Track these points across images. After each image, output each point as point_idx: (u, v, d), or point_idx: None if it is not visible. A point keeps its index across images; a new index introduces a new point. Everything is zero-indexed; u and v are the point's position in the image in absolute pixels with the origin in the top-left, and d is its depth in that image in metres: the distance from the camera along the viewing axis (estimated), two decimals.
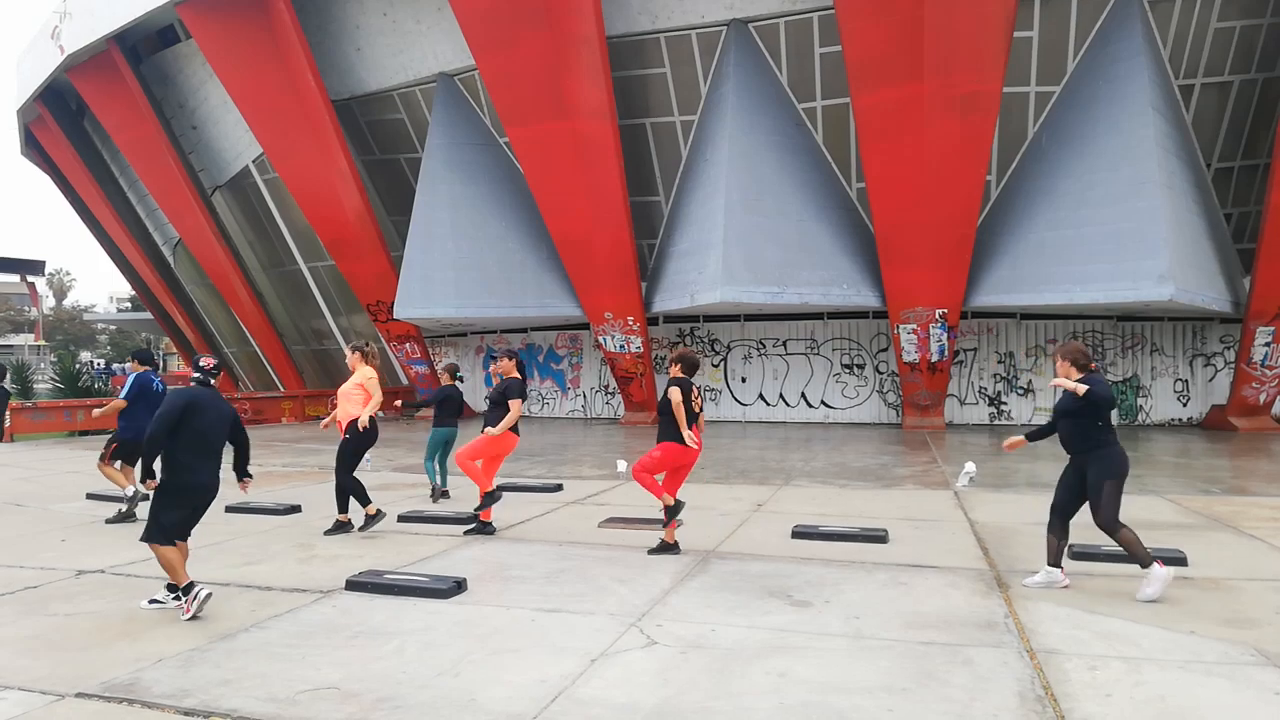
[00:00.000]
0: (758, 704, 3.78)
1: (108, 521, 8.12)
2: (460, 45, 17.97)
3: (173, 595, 5.20)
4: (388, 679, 4.08)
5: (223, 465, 5.47)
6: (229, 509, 8.67)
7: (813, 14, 16.69)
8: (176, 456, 5.18)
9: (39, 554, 6.82)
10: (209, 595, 5.06)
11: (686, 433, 6.60)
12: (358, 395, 7.68)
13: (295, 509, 8.61)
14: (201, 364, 5.52)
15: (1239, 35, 16.43)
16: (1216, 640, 4.58)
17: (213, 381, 5.53)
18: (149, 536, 5.17)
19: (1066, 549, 5.83)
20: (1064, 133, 16.54)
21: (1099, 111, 16.05)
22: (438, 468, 9.38)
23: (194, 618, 4.98)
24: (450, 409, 9.44)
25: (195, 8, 19.79)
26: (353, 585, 5.66)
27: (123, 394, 8.48)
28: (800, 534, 7.26)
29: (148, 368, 8.62)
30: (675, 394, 6.61)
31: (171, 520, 5.18)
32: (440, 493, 9.34)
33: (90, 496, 9.59)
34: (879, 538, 7.08)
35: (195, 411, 5.21)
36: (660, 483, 6.81)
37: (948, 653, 4.41)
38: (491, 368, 7.63)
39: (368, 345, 8.06)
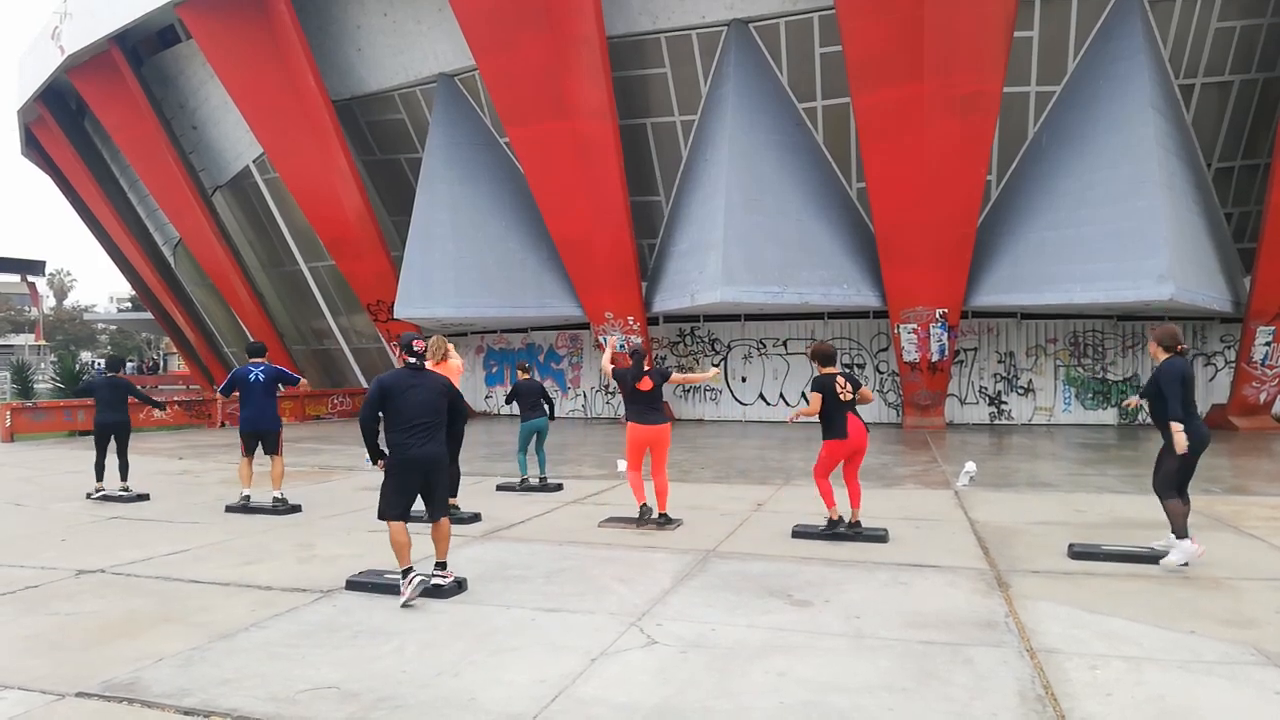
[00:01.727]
0: (758, 703, 3.78)
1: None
2: (460, 45, 17.97)
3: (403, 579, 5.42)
4: (388, 678, 4.09)
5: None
6: (229, 509, 8.69)
7: (813, 14, 16.68)
8: (388, 436, 5.57)
9: (39, 553, 6.83)
10: (423, 581, 5.31)
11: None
12: None
13: (295, 509, 8.61)
14: (415, 348, 5.74)
15: (1239, 35, 16.42)
16: (1217, 640, 4.58)
17: (419, 362, 5.72)
18: (379, 514, 5.58)
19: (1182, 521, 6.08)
20: (1064, 132, 16.53)
21: (1099, 111, 16.03)
22: (530, 459, 9.94)
23: (407, 604, 5.21)
24: (529, 402, 9.82)
25: (195, 8, 19.79)
26: (353, 585, 5.67)
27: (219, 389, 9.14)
28: (801, 534, 7.27)
29: (252, 360, 9.04)
30: (815, 400, 6.99)
31: (389, 497, 5.55)
32: (540, 482, 9.86)
33: (90, 496, 9.59)
34: (879, 537, 7.08)
35: (390, 394, 5.55)
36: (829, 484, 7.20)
37: (948, 652, 4.41)
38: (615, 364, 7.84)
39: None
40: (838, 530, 7.08)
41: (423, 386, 5.63)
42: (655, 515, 7.69)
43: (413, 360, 5.70)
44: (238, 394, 8.95)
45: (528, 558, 6.59)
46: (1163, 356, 6.08)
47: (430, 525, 5.70)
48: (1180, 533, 5.98)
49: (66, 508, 9.08)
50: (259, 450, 8.92)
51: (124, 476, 9.63)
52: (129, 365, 57.40)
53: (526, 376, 10.09)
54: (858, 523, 7.14)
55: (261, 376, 8.87)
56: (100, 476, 9.53)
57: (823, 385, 6.98)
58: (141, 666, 4.23)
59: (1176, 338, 6.11)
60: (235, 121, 22.24)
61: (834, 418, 7.00)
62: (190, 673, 4.16)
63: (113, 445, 9.67)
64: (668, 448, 7.81)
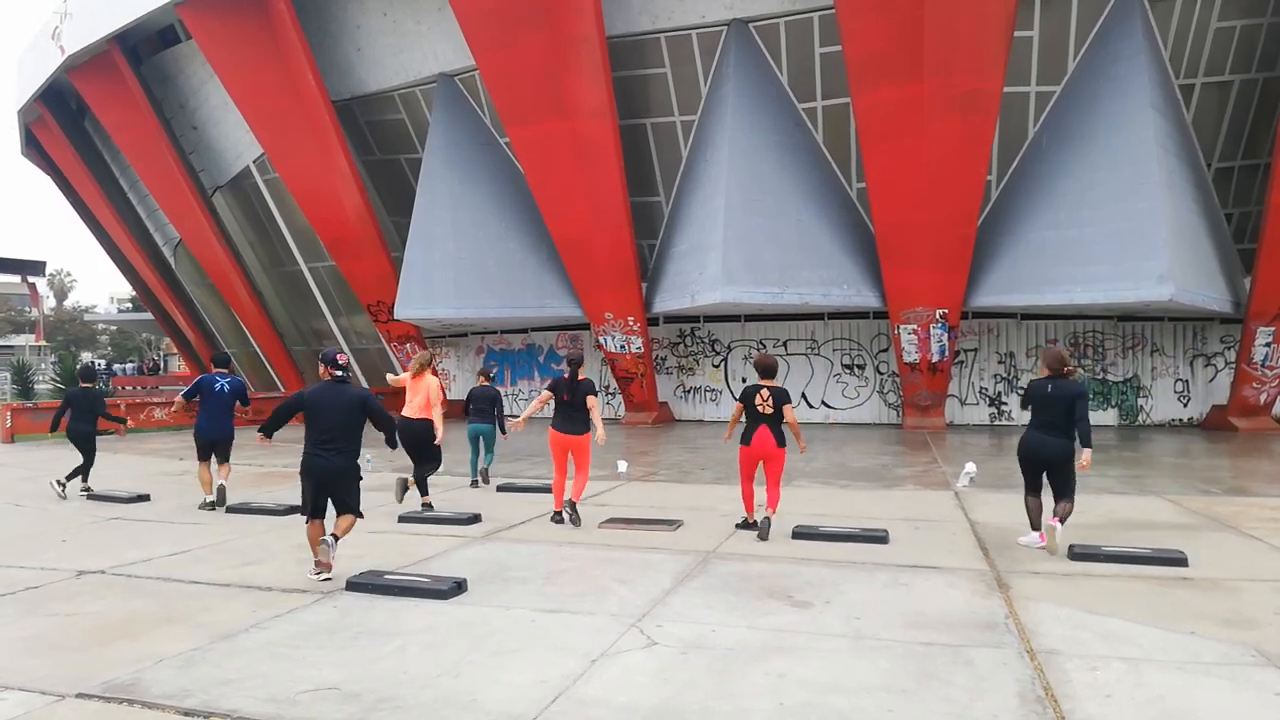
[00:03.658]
0: (758, 704, 3.78)
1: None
2: (460, 45, 17.97)
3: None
4: (388, 679, 4.09)
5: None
6: (229, 509, 8.70)
7: (813, 14, 16.68)
8: (305, 443, 5.99)
9: (40, 554, 6.83)
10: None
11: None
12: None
13: (296, 509, 8.60)
14: (338, 362, 6.13)
15: (1239, 35, 16.42)
16: (1217, 641, 4.58)
17: (342, 375, 6.13)
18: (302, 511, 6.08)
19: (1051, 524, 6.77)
20: (1064, 133, 16.53)
21: (1099, 111, 16.03)
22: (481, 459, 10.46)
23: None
24: (479, 407, 10.31)
25: (195, 8, 19.79)
26: (353, 586, 5.67)
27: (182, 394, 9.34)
28: (800, 534, 7.27)
29: (218, 370, 9.36)
30: (737, 408, 7.47)
31: (303, 499, 6.04)
32: (484, 478, 10.43)
33: (91, 497, 9.60)
34: (879, 538, 7.08)
35: (308, 405, 5.99)
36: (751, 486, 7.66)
37: (948, 653, 4.41)
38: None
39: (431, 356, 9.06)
40: (747, 526, 7.54)
41: (337, 404, 5.95)
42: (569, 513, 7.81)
43: (338, 374, 6.05)
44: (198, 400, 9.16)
45: (528, 558, 6.59)
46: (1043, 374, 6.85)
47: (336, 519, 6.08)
48: (1034, 525, 6.87)
49: (66, 508, 9.08)
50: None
51: (85, 477, 10.03)
52: (128, 366, 57.60)
53: (486, 383, 10.54)
54: (765, 520, 7.30)
55: (227, 388, 9.12)
56: (84, 478, 9.95)
57: (746, 395, 7.41)
58: (142, 667, 4.23)
59: (1062, 360, 6.80)
60: (235, 122, 22.24)
61: (750, 427, 7.37)
62: (191, 673, 4.16)
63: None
64: (582, 453, 8.01)
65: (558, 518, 7.84)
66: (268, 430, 6.41)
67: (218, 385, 9.05)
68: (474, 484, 10.34)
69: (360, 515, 6.16)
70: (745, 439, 7.36)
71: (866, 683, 4.02)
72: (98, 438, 10.37)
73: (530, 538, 7.40)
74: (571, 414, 7.89)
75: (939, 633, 4.73)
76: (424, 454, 8.72)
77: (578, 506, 7.77)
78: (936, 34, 14.60)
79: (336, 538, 5.94)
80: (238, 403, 9.21)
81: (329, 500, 6.06)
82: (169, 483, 10.93)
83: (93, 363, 11.13)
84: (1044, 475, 6.79)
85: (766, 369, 7.42)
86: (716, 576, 6.01)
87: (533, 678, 4.09)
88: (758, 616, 5.07)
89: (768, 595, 5.52)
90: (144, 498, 9.48)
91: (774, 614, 5.12)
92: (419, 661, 4.33)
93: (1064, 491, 6.65)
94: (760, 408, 7.25)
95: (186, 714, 3.71)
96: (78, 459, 9.98)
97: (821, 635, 4.72)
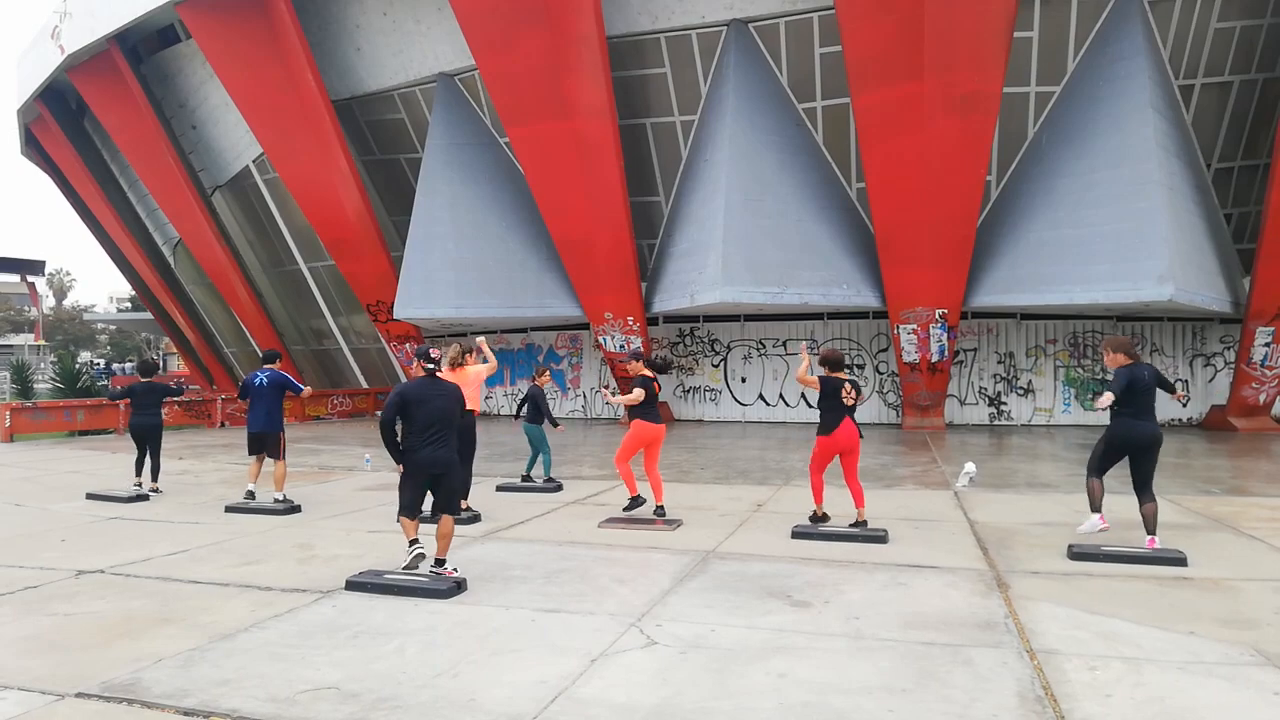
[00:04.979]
0: (758, 704, 3.78)
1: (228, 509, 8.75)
2: (460, 45, 17.98)
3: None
4: (388, 679, 4.09)
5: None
6: (229, 509, 8.70)
7: (813, 14, 16.68)
8: (405, 440, 5.93)
9: (39, 554, 6.83)
10: (420, 555, 5.87)
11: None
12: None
13: (295, 509, 8.62)
14: (432, 356, 6.09)
15: (1239, 35, 16.42)
16: (1216, 641, 4.58)
17: (436, 370, 6.07)
18: (398, 514, 6.01)
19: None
20: (1064, 133, 16.53)
21: (1099, 111, 16.04)
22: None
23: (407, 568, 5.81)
24: (532, 406, 10.30)
25: (195, 7, 19.78)
26: (353, 585, 5.67)
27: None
28: (800, 534, 7.28)
29: (265, 366, 9.50)
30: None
31: (402, 497, 5.97)
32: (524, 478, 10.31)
33: (90, 496, 9.60)
34: (879, 538, 7.09)
35: (409, 402, 5.87)
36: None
37: (948, 653, 4.41)
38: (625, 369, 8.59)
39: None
40: (819, 520, 7.59)
41: (440, 395, 5.97)
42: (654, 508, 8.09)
43: (430, 367, 6.03)
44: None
45: (528, 558, 6.59)
46: (1123, 362, 6.60)
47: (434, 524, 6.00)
48: (1093, 508, 6.85)
49: (66, 508, 9.08)
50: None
51: (154, 477, 9.93)
52: (127, 366, 57.66)
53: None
54: (863, 521, 7.37)
55: (265, 381, 9.25)
56: (139, 473, 9.86)
57: (834, 386, 7.47)
58: (141, 667, 4.23)
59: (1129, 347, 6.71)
60: (235, 121, 22.24)
61: (834, 418, 7.46)
62: (190, 673, 4.16)
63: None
64: (653, 444, 8.37)
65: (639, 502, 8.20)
66: (395, 459, 6.02)
67: (258, 380, 9.25)
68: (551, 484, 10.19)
69: (458, 513, 6.34)
70: (828, 429, 7.41)
71: (866, 682, 4.02)
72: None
73: (530, 537, 7.40)
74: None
75: (938, 632, 4.73)
76: (468, 454, 8.49)
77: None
78: (936, 34, 14.60)
79: (442, 562, 5.83)
80: (289, 392, 9.45)
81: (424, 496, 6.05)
82: (169, 482, 10.92)
83: (152, 359, 11.25)
84: (1126, 462, 6.75)
85: (838, 361, 7.57)
86: (716, 576, 6.01)
87: (532, 677, 4.09)
88: (757, 616, 5.07)
89: (767, 595, 5.52)
90: (144, 497, 9.48)
91: (773, 614, 5.12)
92: (418, 661, 4.33)
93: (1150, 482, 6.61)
94: (845, 399, 7.40)
95: (186, 714, 3.71)
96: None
97: (821, 635, 4.72)
